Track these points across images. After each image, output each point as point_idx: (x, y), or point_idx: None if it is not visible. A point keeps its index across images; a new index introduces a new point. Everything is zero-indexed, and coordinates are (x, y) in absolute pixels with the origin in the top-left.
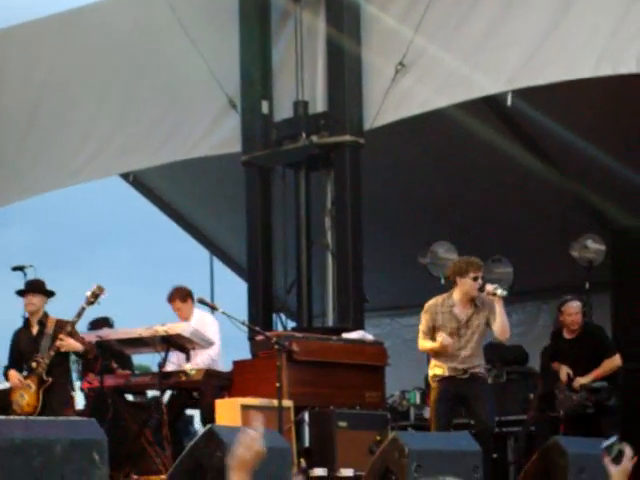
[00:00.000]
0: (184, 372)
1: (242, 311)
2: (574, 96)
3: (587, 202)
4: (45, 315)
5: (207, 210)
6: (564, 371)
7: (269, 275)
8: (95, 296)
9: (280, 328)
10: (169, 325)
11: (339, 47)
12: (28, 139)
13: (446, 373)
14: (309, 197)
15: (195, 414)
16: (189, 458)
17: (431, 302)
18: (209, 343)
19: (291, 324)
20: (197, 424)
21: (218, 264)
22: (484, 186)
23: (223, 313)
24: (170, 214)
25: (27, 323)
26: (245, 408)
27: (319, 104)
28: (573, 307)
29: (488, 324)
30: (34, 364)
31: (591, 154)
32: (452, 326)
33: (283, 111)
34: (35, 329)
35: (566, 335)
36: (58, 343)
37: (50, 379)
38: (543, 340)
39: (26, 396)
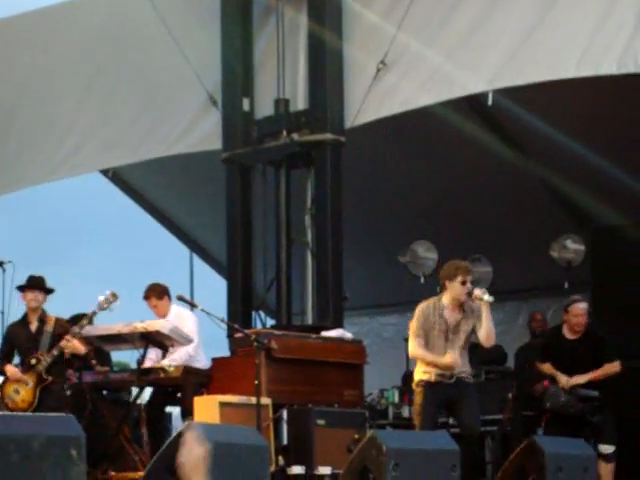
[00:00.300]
0: (163, 369)
1: (222, 308)
2: (556, 93)
3: (568, 201)
4: (44, 312)
5: (187, 207)
6: (563, 379)
7: (249, 273)
8: (108, 302)
9: (259, 326)
10: (148, 322)
11: (321, 44)
12: (9, 135)
13: (432, 379)
14: (289, 195)
15: (173, 411)
16: (166, 455)
17: (423, 305)
18: (188, 340)
19: (270, 322)
20: (174, 421)
21: (198, 261)
22: (465, 185)
23: (202, 310)
24: (150, 211)
25: (25, 318)
26: (223, 405)
27: (300, 102)
28: (580, 308)
29: (474, 330)
30: (33, 361)
31: (573, 152)
32: (441, 329)
33: (264, 108)
34: (34, 325)
35: (568, 335)
36: (63, 343)
37: (50, 378)
38: (522, 340)
39: (22, 391)
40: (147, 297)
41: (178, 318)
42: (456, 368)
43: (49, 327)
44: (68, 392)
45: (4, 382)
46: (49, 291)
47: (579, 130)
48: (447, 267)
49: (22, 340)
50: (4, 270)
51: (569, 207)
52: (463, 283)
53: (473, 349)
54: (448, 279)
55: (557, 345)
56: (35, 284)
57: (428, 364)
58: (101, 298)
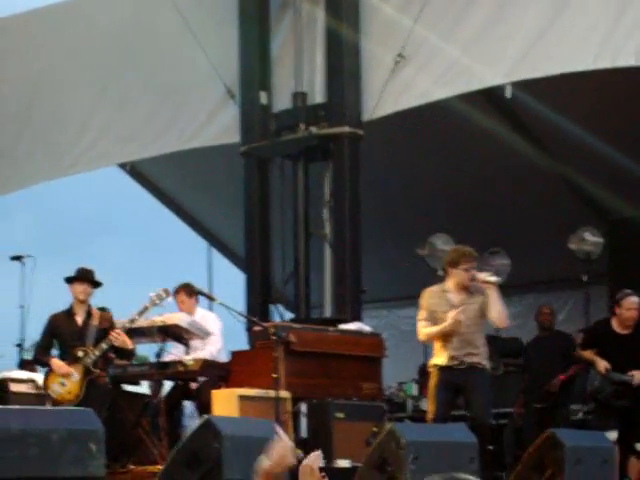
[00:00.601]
0: (182, 362)
1: (240, 302)
2: (574, 87)
3: (586, 193)
4: (90, 306)
5: (205, 201)
6: (601, 364)
7: (267, 266)
8: (160, 298)
9: (278, 319)
10: (167, 315)
11: (338, 38)
12: (26, 129)
13: (445, 362)
14: (307, 188)
15: (187, 405)
16: (186, 448)
17: (427, 290)
18: (206, 334)
19: (289, 315)
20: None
21: (216, 255)
22: (483, 178)
23: (221, 304)
24: (168, 204)
25: (70, 311)
26: (242, 399)
27: (318, 95)
28: (633, 302)
29: (484, 313)
30: (80, 353)
31: (591, 145)
32: (444, 310)
33: (282, 102)
34: (81, 318)
35: (617, 329)
36: (113, 337)
37: (97, 371)
38: None
39: (68, 384)
40: (177, 292)
41: (203, 320)
42: (461, 321)
43: (95, 321)
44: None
45: (48, 374)
46: (97, 284)
47: (596, 123)
48: (451, 253)
49: (66, 332)
50: (24, 264)
51: (587, 199)
52: (466, 270)
53: (492, 342)
54: (451, 265)
55: (605, 338)
56: (85, 276)
57: (441, 346)
58: (152, 294)
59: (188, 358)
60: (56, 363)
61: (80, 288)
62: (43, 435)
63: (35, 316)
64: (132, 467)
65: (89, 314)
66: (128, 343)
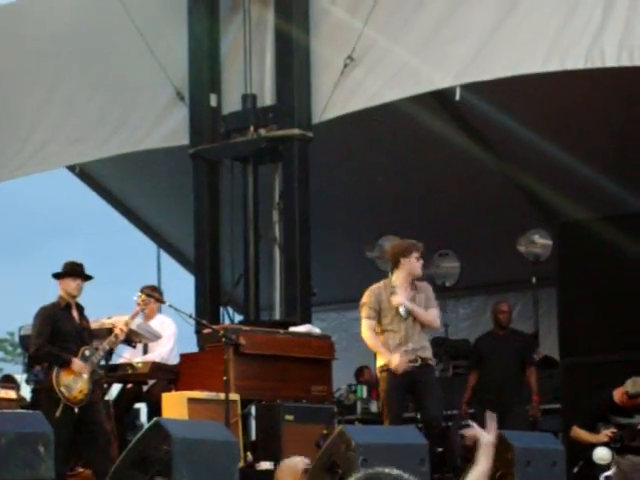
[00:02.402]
0: (131, 365)
1: (189, 304)
2: (522, 89)
3: (535, 196)
4: (78, 303)
5: (154, 203)
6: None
7: (216, 268)
8: (145, 303)
9: (227, 321)
10: (115, 318)
11: (288, 40)
12: None
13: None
14: (257, 190)
15: (142, 407)
16: (135, 451)
17: (372, 286)
18: (156, 337)
19: (238, 318)
20: (143, 417)
21: (165, 257)
22: (432, 180)
23: (170, 306)
24: (117, 207)
25: (68, 306)
26: (192, 401)
27: (267, 97)
28: None
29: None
30: (88, 352)
31: (540, 147)
32: (393, 307)
33: (231, 104)
34: (76, 315)
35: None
36: (113, 339)
37: (102, 372)
38: None
39: (79, 383)
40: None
41: (159, 323)
42: (400, 369)
43: (84, 321)
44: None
45: (59, 371)
46: (88, 278)
47: (545, 126)
48: (399, 245)
49: (66, 329)
50: None
51: (536, 202)
52: (418, 259)
53: (441, 343)
54: (403, 256)
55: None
56: (78, 271)
57: (387, 351)
58: (139, 299)
59: (136, 360)
60: (77, 363)
61: (74, 284)
62: None
63: None
64: (80, 470)
65: (82, 313)
66: (117, 344)
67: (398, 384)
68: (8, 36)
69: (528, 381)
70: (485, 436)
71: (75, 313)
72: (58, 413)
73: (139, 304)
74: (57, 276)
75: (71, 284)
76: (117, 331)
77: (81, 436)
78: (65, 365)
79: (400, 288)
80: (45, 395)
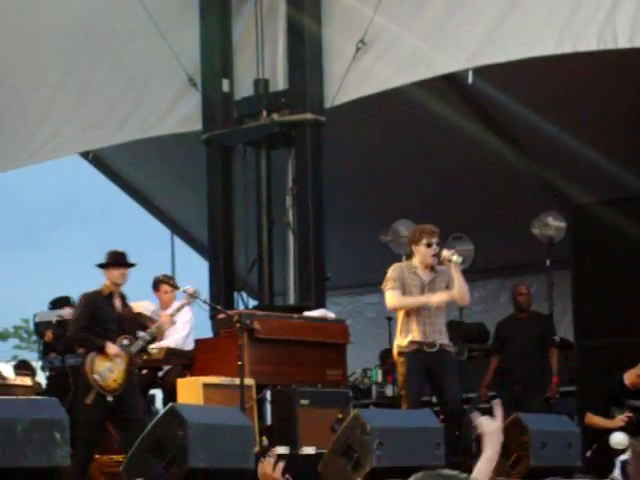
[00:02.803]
0: (146, 351)
1: (204, 290)
2: (535, 75)
3: (548, 179)
4: (122, 292)
5: (168, 189)
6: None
7: (230, 254)
8: (193, 297)
9: (242, 307)
10: (131, 304)
11: (299, 25)
12: None
13: (416, 338)
14: (270, 175)
15: (157, 394)
16: (151, 436)
17: (395, 264)
18: (172, 323)
19: (253, 303)
20: (159, 403)
21: (179, 243)
22: (445, 164)
23: (184, 292)
24: (131, 193)
25: (111, 295)
26: (207, 386)
27: (280, 82)
28: None
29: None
30: (126, 341)
31: (551, 132)
32: (417, 285)
33: (244, 89)
34: (118, 304)
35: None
36: (154, 329)
37: (140, 361)
38: (505, 317)
39: (114, 371)
40: (161, 282)
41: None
42: (436, 303)
43: (127, 308)
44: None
45: (94, 357)
46: (131, 265)
47: (558, 111)
48: (412, 232)
49: (107, 317)
50: None
51: (550, 185)
52: (429, 245)
53: (456, 327)
54: (414, 243)
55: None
56: (122, 260)
57: (408, 325)
58: (190, 290)
59: (152, 347)
60: (111, 347)
61: (117, 273)
62: (7, 425)
63: None
64: (97, 456)
65: (124, 301)
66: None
67: (417, 368)
68: (20, 24)
69: (549, 363)
70: (489, 424)
71: (118, 302)
72: (89, 400)
73: (188, 298)
74: (102, 266)
75: (114, 273)
76: (154, 328)
77: (116, 424)
78: (99, 350)
79: (420, 270)
80: (79, 380)
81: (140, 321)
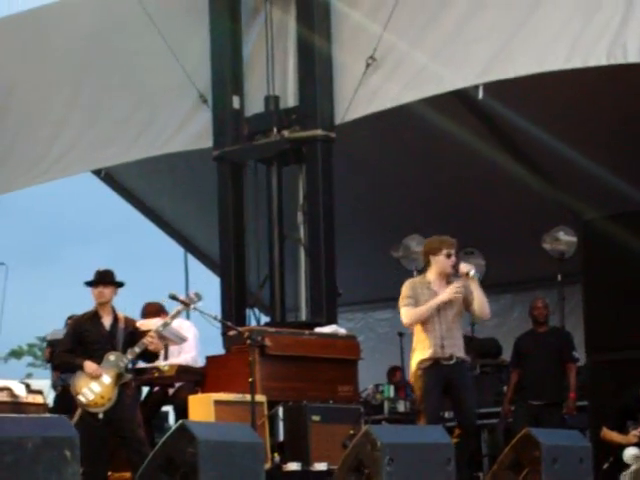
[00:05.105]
0: (157, 368)
1: (216, 306)
2: (545, 91)
3: (559, 194)
4: (114, 309)
5: (180, 206)
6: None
7: (242, 270)
8: (192, 301)
9: (254, 323)
10: (141, 321)
11: (309, 42)
12: None
13: (432, 354)
14: (281, 192)
15: (170, 410)
16: (161, 453)
17: (408, 280)
18: (182, 339)
19: (265, 319)
20: (172, 420)
21: (192, 259)
22: (456, 179)
23: (195, 309)
24: (142, 210)
25: (96, 314)
26: (218, 403)
27: (290, 99)
28: None
29: (465, 306)
30: (112, 357)
31: (561, 148)
32: (431, 299)
33: (254, 106)
34: (107, 322)
35: None
36: (147, 341)
37: (130, 376)
38: (517, 332)
39: (99, 388)
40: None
41: (177, 325)
42: (459, 294)
43: (122, 324)
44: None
45: (78, 377)
46: (118, 285)
47: (567, 126)
48: (430, 242)
49: (93, 336)
50: None
51: (560, 200)
52: (448, 256)
53: (468, 342)
54: (432, 253)
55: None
56: (102, 279)
57: (424, 341)
58: (183, 297)
59: (163, 364)
60: (89, 365)
61: (95, 291)
62: (17, 442)
63: (8, 324)
64: (109, 473)
65: (115, 318)
66: (160, 347)
67: (434, 382)
68: (31, 41)
69: (567, 378)
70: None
71: (107, 320)
72: (75, 419)
73: (184, 304)
74: (89, 284)
75: (94, 292)
76: (147, 340)
77: (114, 439)
78: (78, 370)
79: (435, 284)
80: (71, 401)
81: (138, 336)
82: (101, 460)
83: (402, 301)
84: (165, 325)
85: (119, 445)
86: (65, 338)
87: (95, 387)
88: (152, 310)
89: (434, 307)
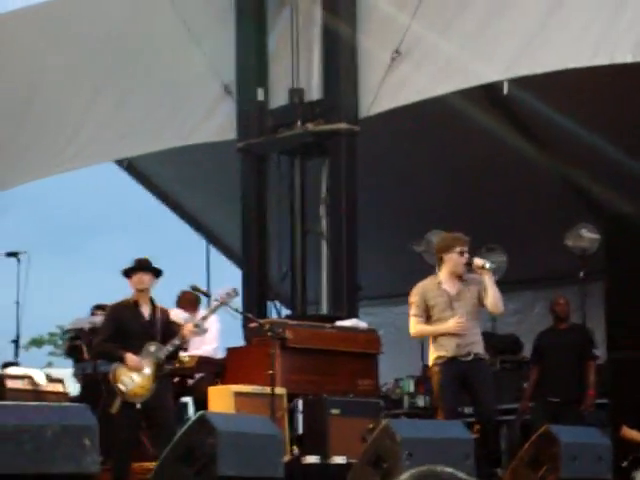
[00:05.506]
0: (178, 359)
1: (239, 299)
2: (570, 83)
3: (582, 190)
4: (152, 299)
5: (202, 197)
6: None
7: (264, 262)
8: (230, 297)
9: (275, 315)
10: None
11: (335, 34)
12: (24, 126)
13: (449, 353)
14: (304, 185)
15: (189, 401)
16: (180, 444)
17: (419, 284)
18: (203, 331)
19: (286, 312)
20: (191, 411)
21: (214, 251)
22: (480, 174)
23: (215, 300)
24: (165, 201)
25: (136, 302)
26: (238, 395)
27: (315, 92)
28: None
29: (480, 302)
30: (152, 348)
31: (588, 141)
32: (443, 300)
33: (279, 98)
34: (147, 311)
35: None
36: (187, 334)
37: (169, 367)
38: (538, 329)
39: (139, 379)
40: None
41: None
42: (463, 330)
43: (159, 314)
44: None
45: (118, 366)
46: (157, 273)
47: (593, 120)
48: (442, 240)
49: (133, 325)
50: (19, 261)
51: (584, 196)
52: (461, 253)
53: (488, 338)
54: (445, 251)
55: None
56: (141, 266)
57: (440, 339)
58: (222, 292)
59: (184, 355)
60: (131, 358)
61: (135, 278)
62: (37, 431)
63: (30, 312)
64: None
65: (154, 307)
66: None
67: (451, 378)
68: (58, 31)
69: (586, 375)
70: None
71: (145, 309)
72: (114, 410)
73: (222, 299)
74: (126, 274)
75: (134, 279)
76: (186, 332)
77: (147, 430)
78: (120, 361)
79: (447, 283)
80: (109, 390)
81: (172, 327)
82: (130, 449)
83: (411, 308)
84: (205, 319)
85: (152, 435)
86: (104, 326)
87: (135, 377)
88: (187, 299)
89: (438, 333)
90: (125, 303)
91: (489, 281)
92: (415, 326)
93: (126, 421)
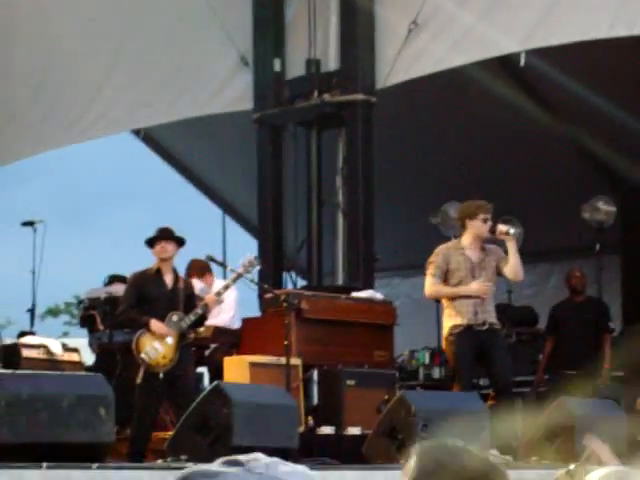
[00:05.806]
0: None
1: (255, 270)
2: (589, 54)
3: (600, 162)
4: (174, 268)
5: (218, 168)
6: None
7: (280, 233)
8: (252, 265)
9: (290, 286)
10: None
11: (353, 5)
12: (41, 95)
13: (465, 320)
14: (320, 156)
15: (205, 372)
16: (195, 414)
17: (441, 246)
18: (220, 301)
19: (302, 283)
20: (207, 381)
21: (230, 221)
22: (496, 146)
23: (232, 270)
24: (181, 171)
25: (159, 271)
26: (253, 365)
27: (331, 62)
28: None
29: (498, 272)
30: (175, 317)
31: (606, 113)
32: (466, 267)
33: (295, 69)
34: (169, 280)
35: None
36: (210, 303)
37: (191, 337)
38: (554, 301)
39: (162, 348)
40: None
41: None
42: (487, 294)
43: (181, 284)
44: None
45: (141, 335)
46: (180, 241)
47: (612, 91)
48: (466, 206)
49: (156, 294)
50: (35, 230)
51: (601, 168)
52: (485, 220)
53: (504, 310)
54: (469, 217)
55: None
56: (163, 235)
57: (454, 307)
58: (244, 262)
59: None
60: (156, 324)
61: (158, 247)
62: (53, 400)
63: (46, 282)
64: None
65: (176, 277)
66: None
67: (467, 347)
68: (72, 4)
69: (601, 348)
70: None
71: (168, 278)
72: (139, 379)
73: (244, 268)
74: (148, 243)
75: (157, 248)
76: (210, 301)
77: (169, 400)
78: (146, 328)
79: (470, 249)
80: (128, 359)
81: (193, 300)
82: (151, 419)
83: (429, 267)
84: (226, 288)
85: (174, 404)
86: (127, 294)
87: (158, 347)
88: (197, 267)
89: (460, 294)
90: (148, 272)
91: (512, 248)
92: (432, 286)
93: (148, 391)
